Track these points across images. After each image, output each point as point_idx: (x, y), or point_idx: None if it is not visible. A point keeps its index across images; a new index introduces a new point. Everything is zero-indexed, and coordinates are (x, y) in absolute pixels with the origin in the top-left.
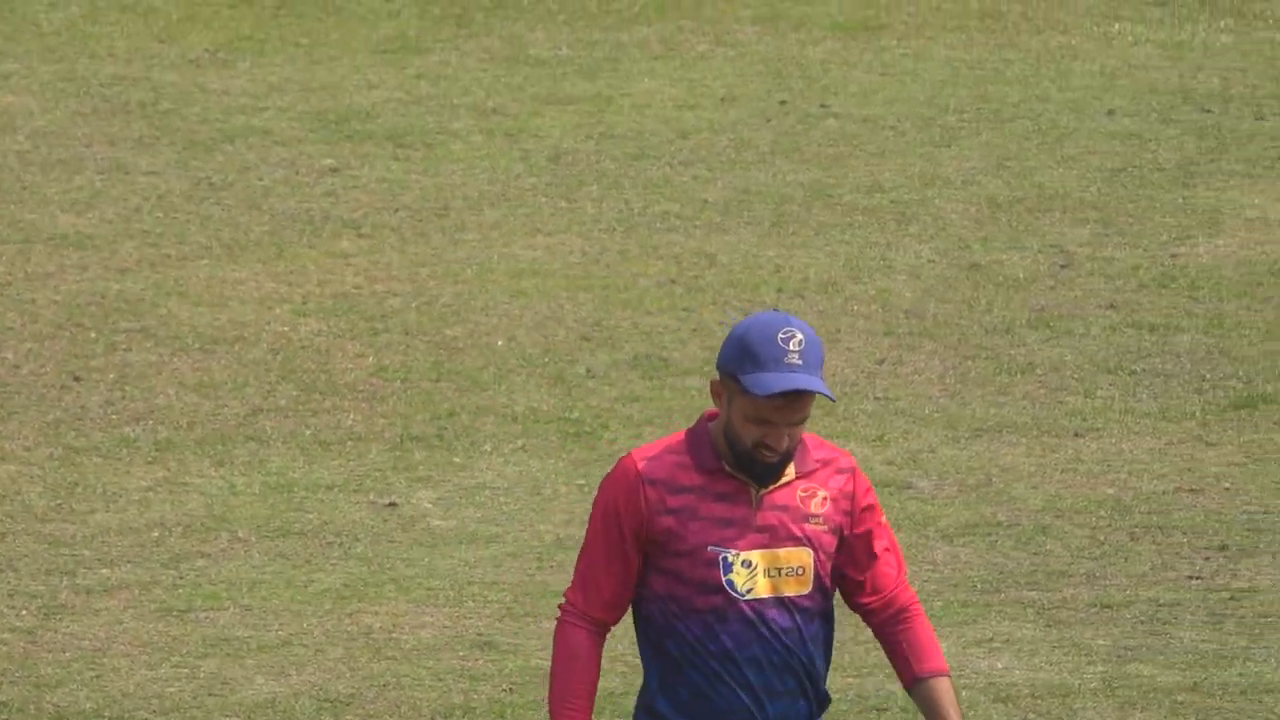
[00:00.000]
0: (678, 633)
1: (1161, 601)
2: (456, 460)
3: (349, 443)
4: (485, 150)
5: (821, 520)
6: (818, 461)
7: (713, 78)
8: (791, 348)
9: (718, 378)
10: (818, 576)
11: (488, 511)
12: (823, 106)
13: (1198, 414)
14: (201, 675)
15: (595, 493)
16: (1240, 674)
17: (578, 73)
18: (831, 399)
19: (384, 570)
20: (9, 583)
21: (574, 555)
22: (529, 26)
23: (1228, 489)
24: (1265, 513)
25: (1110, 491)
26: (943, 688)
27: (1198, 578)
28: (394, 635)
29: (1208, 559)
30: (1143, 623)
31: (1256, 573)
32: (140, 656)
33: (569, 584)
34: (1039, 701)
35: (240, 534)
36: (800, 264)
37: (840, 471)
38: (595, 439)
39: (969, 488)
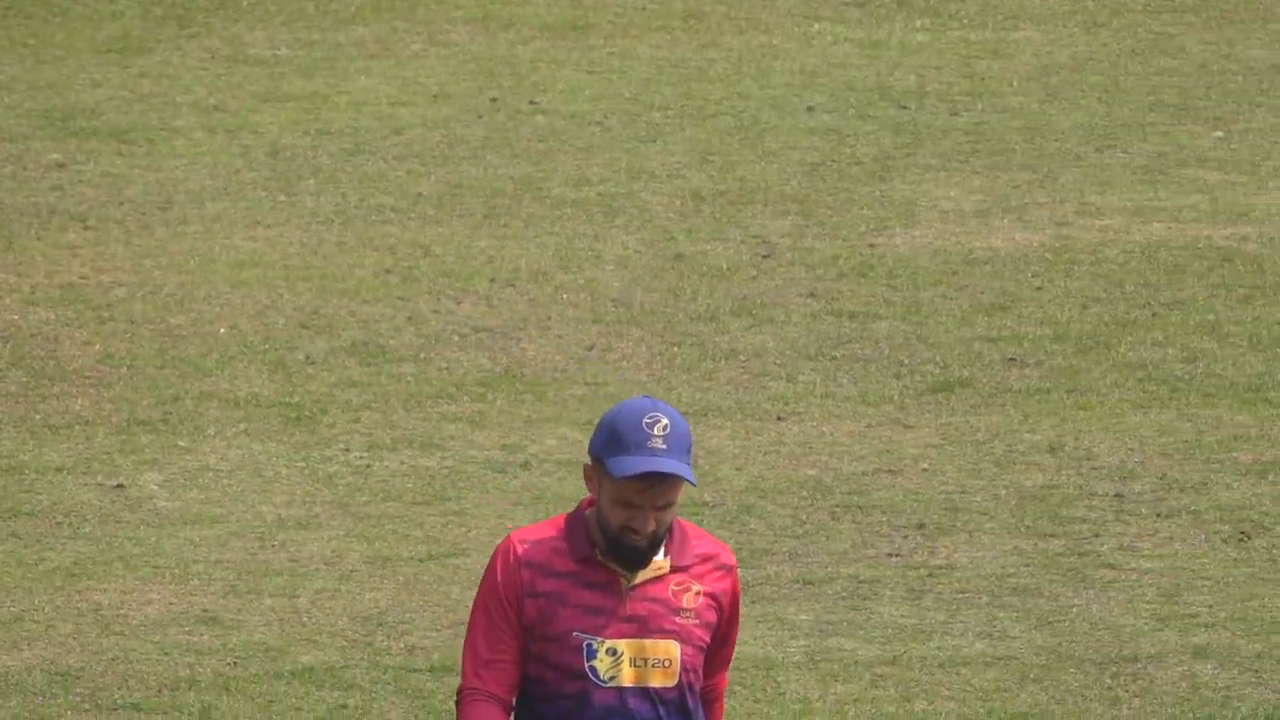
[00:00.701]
0: (544, 717)
1: (862, 578)
2: (181, 444)
3: (77, 426)
4: (207, 146)
5: (693, 615)
6: (697, 557)
7: (426, 75)
8: (655, 432)
9: (589, 462)
10: (684, 670)
11: (211, 493)
12: (532, 103)
13: (896, 398)
14: None
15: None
16: (938, 647)
17: (296, 71)
18: (693, 484)
19: (112, 549)
20: None
21: (295, 534)
22: (249, 27)
23: (925, 470)
24: (962, 492)
25: (811, 473)
26: None
27: (897, 555)
28: (121, 611)
29: (906, 537)
30: (844, 598)
31: (953, 550)
32: None
33: (460, 678)
34: (744, 674)
35: None
36: (512, 254)
37: (719, 568)
38: (315, 423)
39: None
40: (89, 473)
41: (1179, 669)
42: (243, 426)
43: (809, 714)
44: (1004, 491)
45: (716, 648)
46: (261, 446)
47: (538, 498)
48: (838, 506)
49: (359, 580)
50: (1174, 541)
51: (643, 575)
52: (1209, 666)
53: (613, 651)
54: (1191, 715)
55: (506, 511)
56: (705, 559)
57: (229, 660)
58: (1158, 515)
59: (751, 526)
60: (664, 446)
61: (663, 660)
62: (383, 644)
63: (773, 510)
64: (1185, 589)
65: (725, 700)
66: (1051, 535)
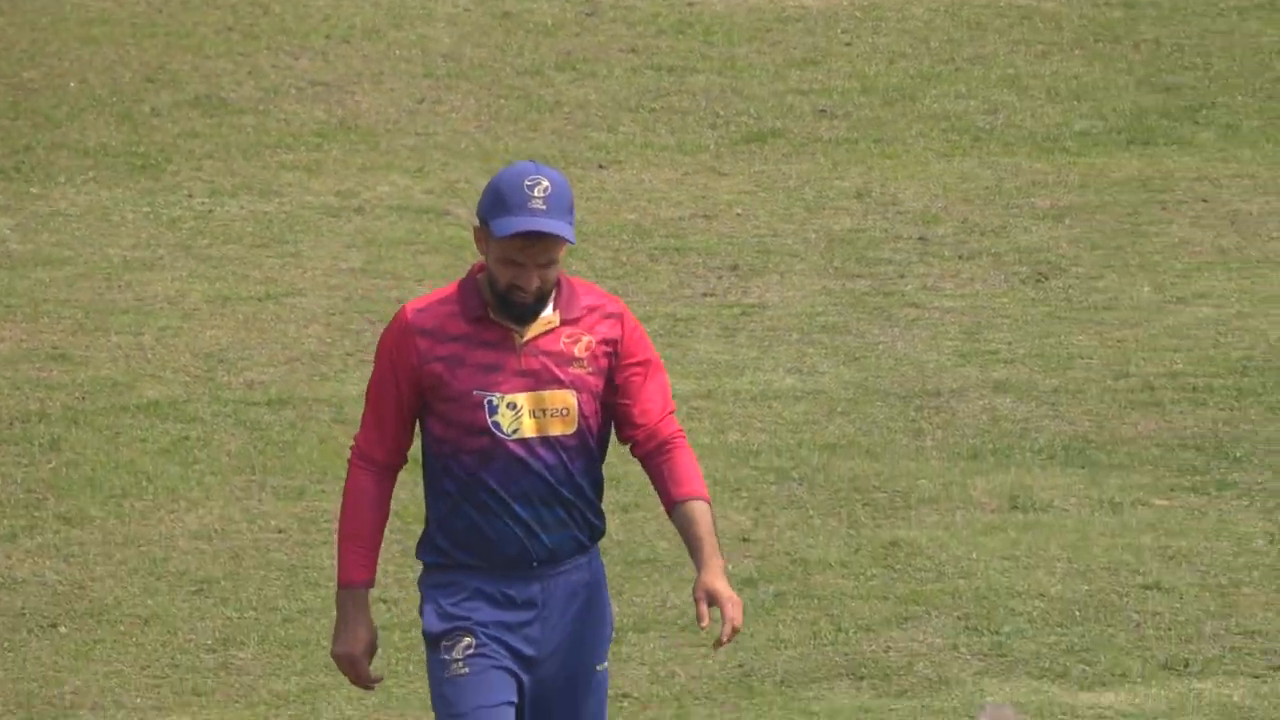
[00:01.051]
0: (452, 472)
1: (679, 316)
2: (34, 190)
3: None
4: None
5: (585, 364)
6: (585, 308)
7: None
8: (536, 194)
9: (477, 225)
10: (582, 416)
11: (61, 236)
12: None
13: (711, 147)
14: None
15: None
16: (751, 382)
17: None
18: (570, 242)
19: None
20: None
21: (141, 275)
22: None
23: (739, 215)
24: (774, 235)
25: (631, 217)
26: (699, 510)
27: (711, 295)
28: None
29: (720, 278)
30: (661, 335)
31: (765, 290)
32: None
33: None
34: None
35: None
36: (347, 13)
37: (607, 317)
38: (159, 170)
39: None
40: None
41: (980, 402)
42: (91, 174)
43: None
44: (814, 235)
45: (634, 391)
46: (109, 193)
47: (370, 241)
48: (656, 249)
49: (200, 318)
50: (975, 282)
51: (534, 330)
52: (1008, 400)
53: (512, 405)
54: (992, 445)
55: (340, 254)
56: (592, 309)
57: (77, 394)
58: (959, 257)
59: (574, 269)
60: (543, 207)
61: (560, 409)
62: (223, 379)
63: (594, 253)
64: (986, 327)
65: (687, 449)
66: (859, 276)
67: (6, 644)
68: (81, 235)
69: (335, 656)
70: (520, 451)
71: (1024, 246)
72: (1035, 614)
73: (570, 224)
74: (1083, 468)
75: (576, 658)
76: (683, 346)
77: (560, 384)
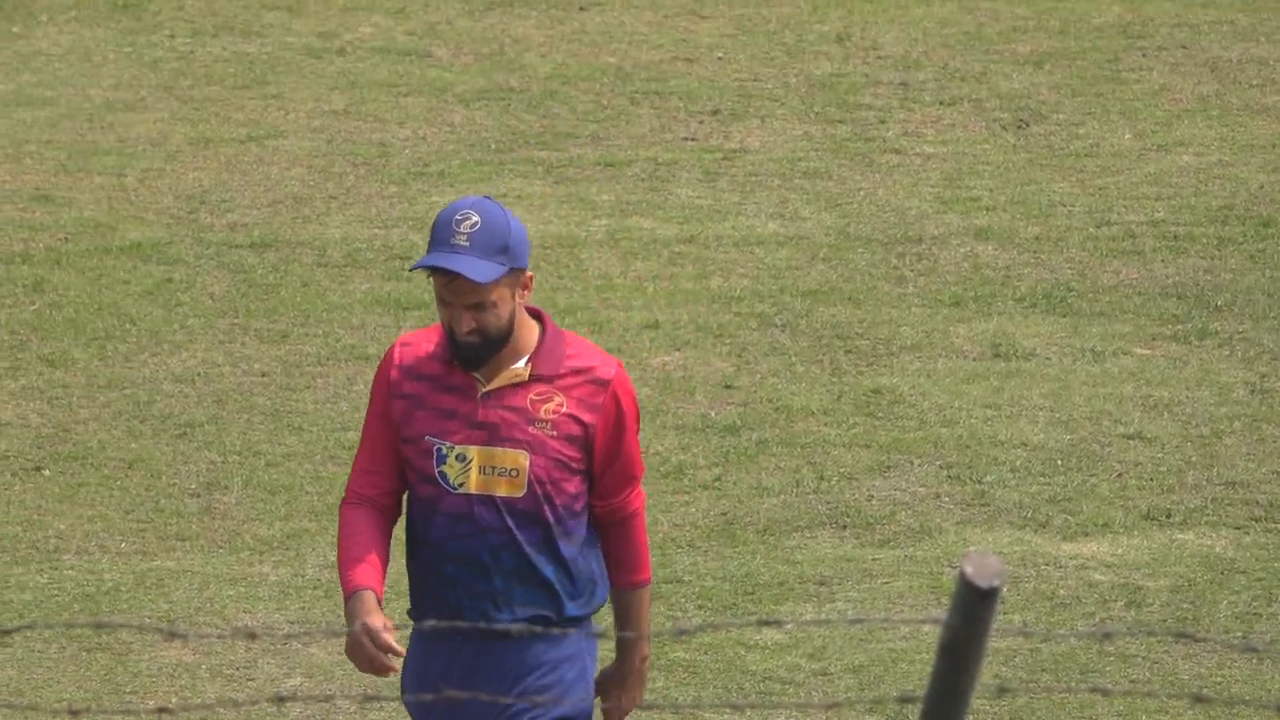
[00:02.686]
0: (410, 518)
1: (660, 160)
2: (15, 30)
3: None
4: None
5: (550, 426)
6: (569, 369)
7: None
8: (461, 229)
9: None
10: (535, 481)
11: (43, 76)
12: None
13: None
14: None
15: None
16: (733, 227)
17: None
18: (474, 280)
19: None
20: None
21: (123, 116)
22: None
23: (720, 59)
24: (755, 80)
25: (612, 60)
26: (639, 599)
27: (693, 139)
28: None
29: (702, 122)
30: (643, 180)
31: (747, 134)
32: None
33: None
34: (549, 251)
35: None
36: None
37: (593, 382)
38: (141, 10)
39: (484, 56)
40: None
41: (961, 249)
42: (73, 14)
43: (610, 289)
44: (794, 79)
45: (605, 465)
46: (91, 32)
47: (353, 83)
48: (637, 93)
49: (183, 160)
50: (956, 128)
51: (500, 381)
52: (990, 247)
53: (462, 457)
54: (974, 293)
55: (323, 95)
56: (578, 372)
57: (60, 236)
58: (940, 103)
59: (555, 111)
60: (465, 244)
61: (510, 469)
62: (206, 220)
63: (575, 95)
64: (967, 174)
65: (644, 517)
66: (839, 121)
67: None
68: (63, 75)
69: (350, 639)
70: (462, 508)
71: (1005, 93)
72: (1018, 463)
73: (499, 265)
74: (1064, 316)
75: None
76: (664, 191)
77: (514, 443)
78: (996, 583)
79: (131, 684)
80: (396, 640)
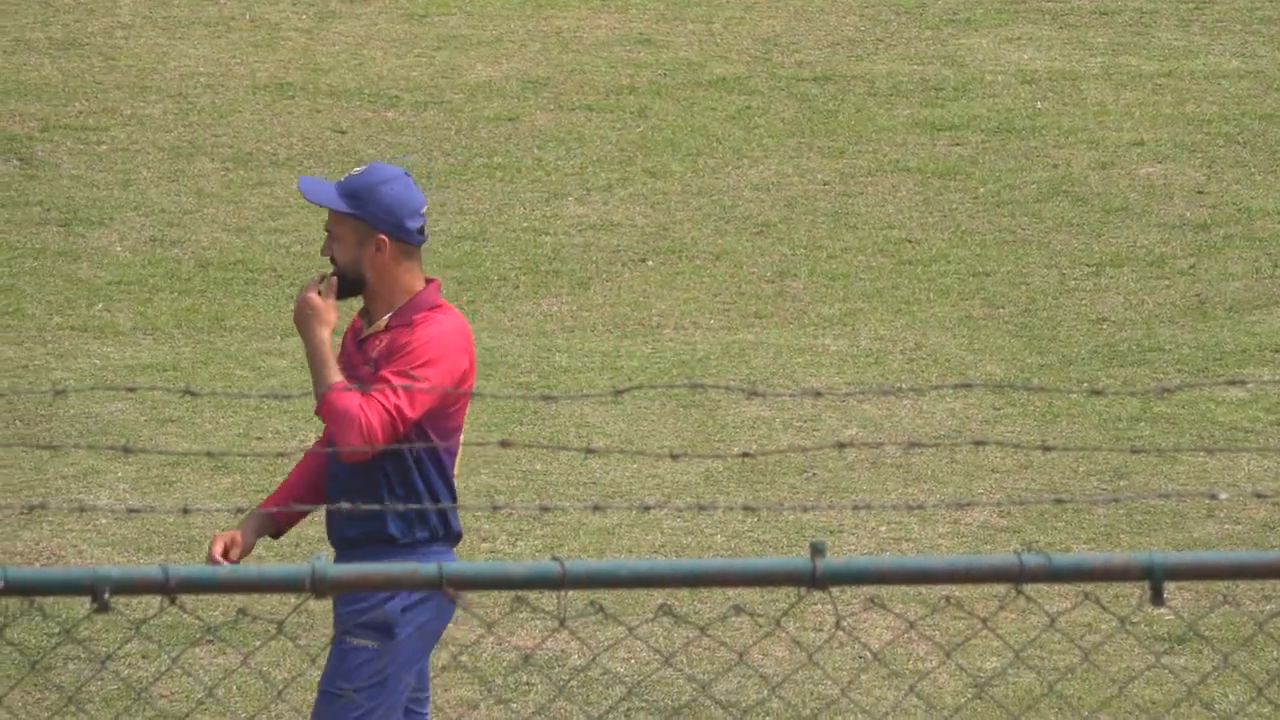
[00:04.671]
0: None
1: (1144, 10)
2: None
3: None
4: None
5: (373, 365)
6: (414, 319)
7: None
8: (350, 172)
9: None
10: None
11: None
12: None
13: None
14: (436, 63)
15: None
16: (1203, 64)
17: None
18: (304, 195)
19: None
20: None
21: None
22: None
23: None
24: None
25: None
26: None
27: None
28: (578, 33)
29: None
30: (1130, 25)
31: None
32: (391, 49)
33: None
34: (1054, 83)
35: None
36: None
37: (407, 325)
38: None
39: None
40: None
41: None
42: None
43: (1105, 114)
44: None
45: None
46: None
47: None
48: None
49: (760, 9)
50: None
51: (369, 330)
52: None
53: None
54: None
55: None
56: (409, 324)
57: (660, 72)
58: None
59: None
60: (336, 179)
61: None
62: (778, 59)
63: None
64: None
65: (359, 415)
66: None
67: (605, 274)
68: None
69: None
70: (328, 439)
71: None
72: None
73: (342, 203)
74: None
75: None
76: (1148, 34)
77: (358, 380)
78: None
79: (719, 434)
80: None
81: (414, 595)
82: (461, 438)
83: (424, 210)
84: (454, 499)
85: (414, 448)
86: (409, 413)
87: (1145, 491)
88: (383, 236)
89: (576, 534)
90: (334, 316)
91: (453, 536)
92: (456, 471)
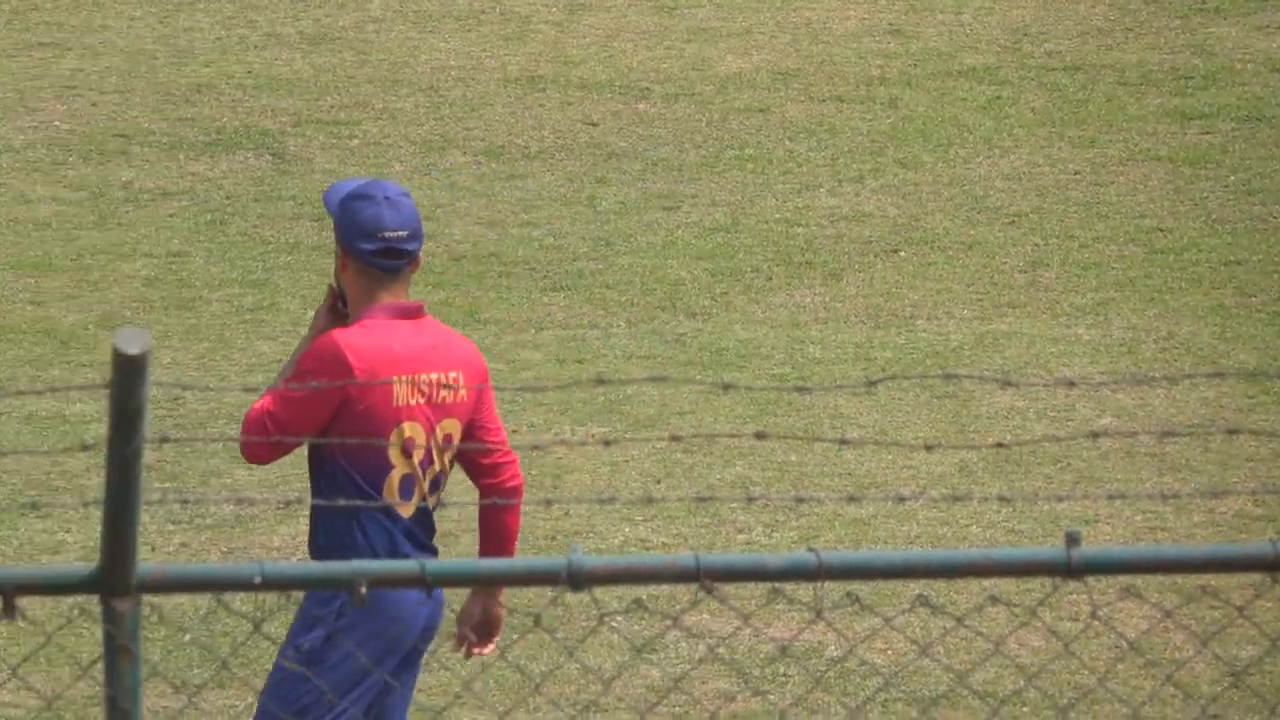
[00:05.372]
0: None
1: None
2: None
3: None
4: None
5: None
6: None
7: None
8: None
9: None
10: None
11: None
12: None
13: None
14: (687, 55)
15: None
16: None
17: None
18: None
19: None
20: None
21: None
22: None
23: None
24: None
25: None
26: None
27: None
28: (827, 25)
29: None
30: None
31: None
32: (641, 41)
33: None
34: None
35: None
36: None
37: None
38: None
39: None
40: None
41: None
42: None
43: None
44: None
45: None
46: None
47: None
48: None
49: (1009, 0)
50: None
51: None
52: None
53: None
54: None
55: None
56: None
57: (910, 62)
58: None
59: None
60: (334, 185)
61: None
62: (1027, 49)
63: None
64: None
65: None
66: None
67: (857, 265)
68: None
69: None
70: None
71: None
72: None
73: (329, 211)
74: None
75: None
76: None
77: None
78: None
79: (973, 424)
80: None
81: (341, 621)
82: (423, 472)
83: (390, 234)
84: (397, 533)
85: (336, 465)
86: (278, 414)
87: None
88: (341, 254)
89: (832, 525)
90: (323, 324)
91: (425, 549)
92: (435, 504)
